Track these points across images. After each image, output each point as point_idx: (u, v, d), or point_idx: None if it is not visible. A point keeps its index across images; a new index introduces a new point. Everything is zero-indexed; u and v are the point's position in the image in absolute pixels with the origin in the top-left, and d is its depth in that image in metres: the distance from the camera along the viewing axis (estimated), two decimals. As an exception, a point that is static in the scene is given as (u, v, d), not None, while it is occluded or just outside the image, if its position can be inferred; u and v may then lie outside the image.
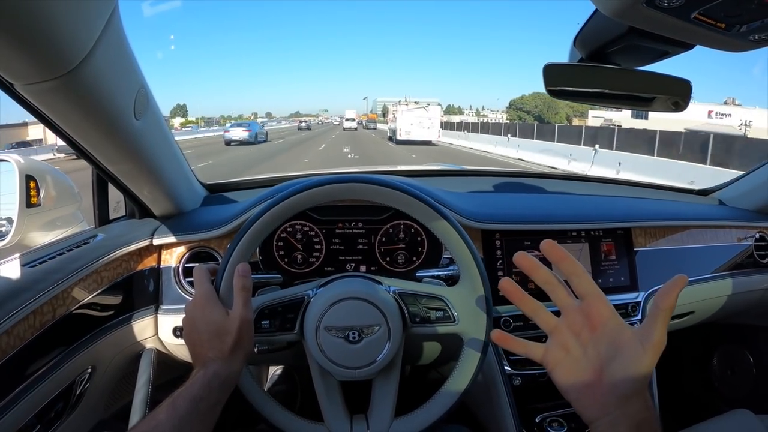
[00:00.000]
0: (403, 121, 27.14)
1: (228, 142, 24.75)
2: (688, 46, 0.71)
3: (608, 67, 0.78)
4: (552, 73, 0.79)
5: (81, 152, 0.73)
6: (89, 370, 0.79)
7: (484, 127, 29.38)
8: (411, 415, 0.75)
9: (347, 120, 57.76)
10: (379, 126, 61.22)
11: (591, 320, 0.49)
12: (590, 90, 0.82)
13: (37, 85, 0.51)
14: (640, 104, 0.91)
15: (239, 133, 25.37)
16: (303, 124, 62.35)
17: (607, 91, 0.84)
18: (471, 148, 23.24)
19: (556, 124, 27.63)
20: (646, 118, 31.51)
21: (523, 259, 0.50)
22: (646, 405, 0.47)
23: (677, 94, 0.88)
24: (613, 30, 0.71)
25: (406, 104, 28.25)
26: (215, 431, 0.62)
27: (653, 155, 12.99)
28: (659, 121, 26.57)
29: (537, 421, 0.96)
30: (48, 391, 0.68)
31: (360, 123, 70.03)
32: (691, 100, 0.88)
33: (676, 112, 0.91)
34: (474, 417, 1.05)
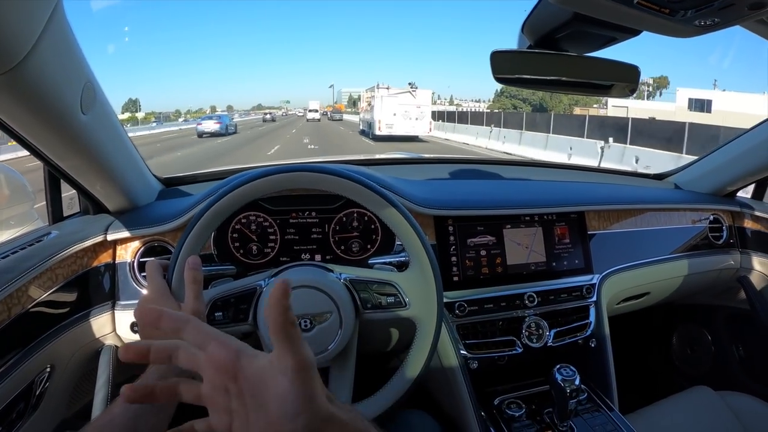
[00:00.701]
0: (384, 111, 21.02)
1: (200, 134, 26.73)
2: (634, 32, 0.73)
3: (556, 53, 0.79)
4: (499, 61, 0.80)
5: (29, 149, 0.72)
6: (48, 369, 0.78)
7: (462, 118, 26.69)
8: (368, 400, 0.76)
9: (310, 111, 57.87)
10: (347, 117, 60.23)
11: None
12: (540, 77, 0.83)
13: None
14: (600, 91, 0.92)
15: (211, 126, 27.49)
16: (268, 116, 63.98)
17: (564, 78, 0.85)
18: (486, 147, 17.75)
19: (552, 113, 24.26)
20: (709, 110, 26.55)
21: (127, 351, 0.43)
22: (348, 428, 0.42)
23: (627, 80, 0.90)
24: (559, 16, 0.72)
25: (386, 88, 21.91)
26: (172, 424, 0.62)
27: (681, 153, 11.21)
28: (721, 113, 22.97)
29: (495, 403, 0.99)
30: (7, 392, 0.67)
31: (324, 114, 69.95)
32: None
33: (628, 97, 0.93)
34: (434, 401, 1.07)
